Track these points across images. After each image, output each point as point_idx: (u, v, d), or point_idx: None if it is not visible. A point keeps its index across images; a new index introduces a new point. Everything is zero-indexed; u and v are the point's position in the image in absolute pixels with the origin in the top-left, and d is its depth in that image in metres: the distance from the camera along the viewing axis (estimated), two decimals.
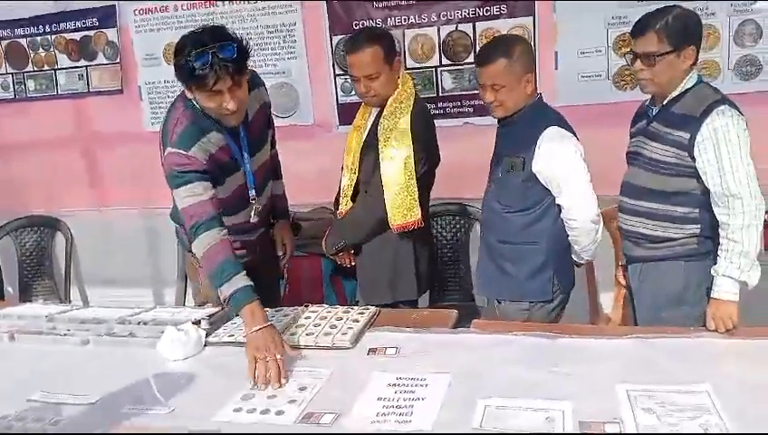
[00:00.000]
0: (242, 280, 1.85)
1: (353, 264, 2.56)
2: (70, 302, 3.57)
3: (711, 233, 1.97)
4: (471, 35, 3.19)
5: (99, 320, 2.14)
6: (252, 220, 2.23)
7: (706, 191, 1.94)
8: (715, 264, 1.90)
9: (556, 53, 3.10)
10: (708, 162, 1.89)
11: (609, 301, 2.69)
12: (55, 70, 3.86)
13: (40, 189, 4.01)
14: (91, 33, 3.75)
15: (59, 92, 3.88)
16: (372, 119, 2.45)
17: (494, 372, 1.64)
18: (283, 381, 1.65)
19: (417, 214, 2.35)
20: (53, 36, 3.80)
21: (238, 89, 1.90)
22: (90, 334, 2.02)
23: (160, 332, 1.91)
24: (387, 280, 2.45)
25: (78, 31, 3.77)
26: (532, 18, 3.10)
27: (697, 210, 1.98)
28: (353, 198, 2.49)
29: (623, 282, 2.29)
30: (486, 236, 2.33)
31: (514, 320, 2.11)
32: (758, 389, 1.48)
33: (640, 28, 1.96)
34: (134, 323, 2.08)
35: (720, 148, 1.87)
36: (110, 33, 3.72)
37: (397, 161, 2.32)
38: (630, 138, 2.17)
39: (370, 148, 2.40)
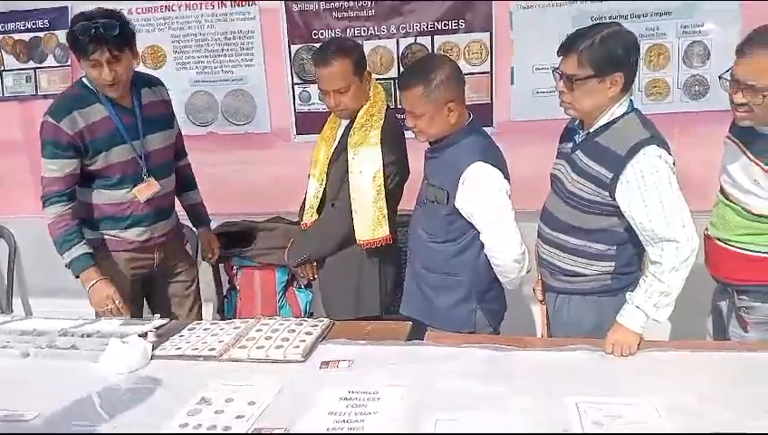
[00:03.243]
0: (80, 249, 2.28)
1: (315, 277, 2.53)
2: (12, 312, 3.43)
3: (626, 269, 1.94)
4: (429, 48, 3.20)
5: (40, 332, 2.06)
6: (141, 201, 2.39)
7: (629, 228, 1.86)
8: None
9: (512, 68, 3.14)
10: (634, 206, 1.79)
11: None
12: (1, 71, 3.73)
13: None
14: (41, 34, 3.63)
15: (4, 94, 3.74)
16: (341, 130, 2.42)
17: (447, 385, 1.63)
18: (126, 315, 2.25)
19: (385, 230, 2.32)
20: (0, 36, 3.67)
21: (117, 63, 2.19)
22: (30, 347, 1.95)
23: (104, 344, 1.84)
24: (350, 295, 2.42)
25: (27, 32, 3.64)
26: (489, 33, 3.14)
27: (614, 247, 1.92)
28: (319, 210, 2.46)
29: (539, 298, 2.21)
30: (412, 259, 2.27)
31: None
32: (704, 401, 1.51)
33: (565, 47, 1.83)
34: (77, 336, 2.01)
35: (649, 191, 1.76)
36: (61, 35, 3.60)
37: (366, 176, 2.29)
38: (556, 156, 2.07)
39: (339, 160, 2.38)
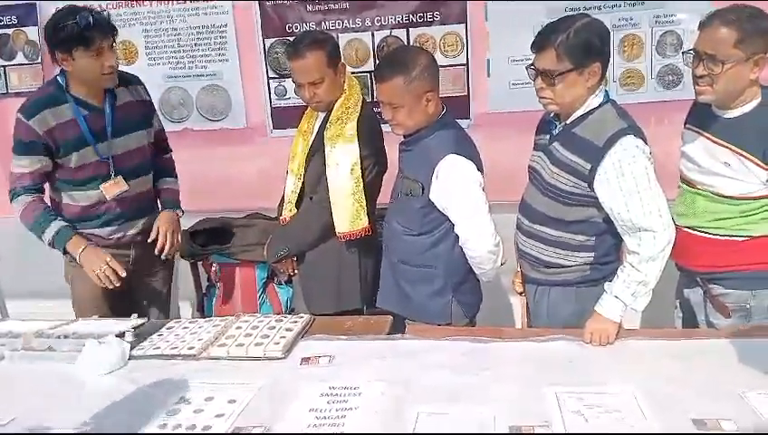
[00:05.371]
0: (58, 224, 2.29)
1: (295, 272, 2.52)
2: None
3: (605, 260, 1.96)
4: (405, 41, 3.19)
5: (15, 334, 2.02)
6: (108, 199, 2.36)
7: (607, 219, 1.88)
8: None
9: (488, 60, 3.14)
10: (613, 197, 1.81)
11: None
12: None
13: None
14: (10, 31, 3.57)
15: None
16: (318, 124, 2.41)
17: (428, 379, 1.63)
18: (122, 274, 2.26)
19: (364, 222, 2.32)
20: None
21: (111, 50, 2.21)
22: (5, 349, 1.92)
23: (81, 345, 1.82)
24: (330, 289, 2.42)
25: None
26: (464, 25, 3.14)
27: (594, 238, 1.93)
28: (297, 205, 2.45)
29: (518, 290, 2.21)
30: (388, 252, 2.27)
31: None
32: (682, 388, 1.52)
33: (539, 43, 1.82)
34: (53, 337, 1.97)
35: (627, 181, 1.78)
36: (31, 32, 3.54)
37: (343, 168, 2.29)
38: (533, 148, 2.08)
39: (316, 154, 2.37)
